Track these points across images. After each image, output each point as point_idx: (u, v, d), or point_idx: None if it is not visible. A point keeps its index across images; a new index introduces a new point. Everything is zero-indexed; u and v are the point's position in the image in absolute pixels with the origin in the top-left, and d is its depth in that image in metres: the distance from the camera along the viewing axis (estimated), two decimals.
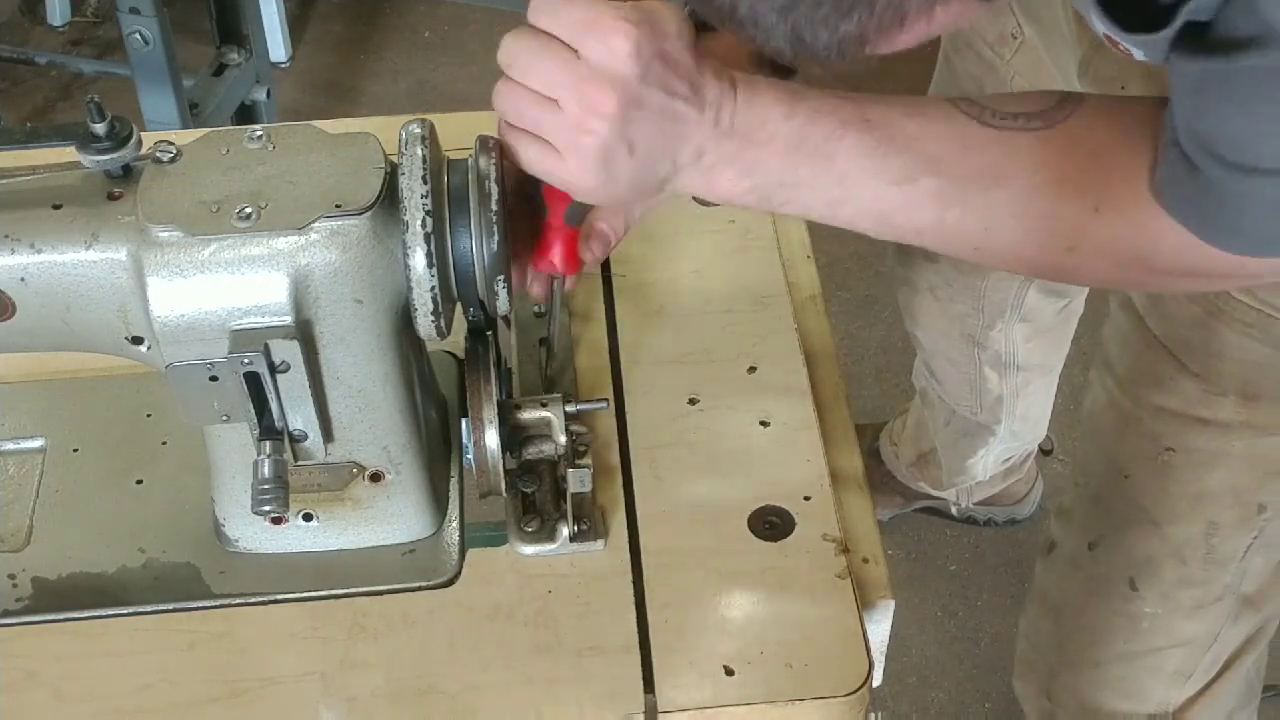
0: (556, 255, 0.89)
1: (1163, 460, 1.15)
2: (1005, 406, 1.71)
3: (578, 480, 0.87)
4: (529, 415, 0.90)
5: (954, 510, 1.99)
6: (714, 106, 0.82)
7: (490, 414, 0.86)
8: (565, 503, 0.89)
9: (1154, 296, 1.11)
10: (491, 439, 0.86)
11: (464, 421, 0.87)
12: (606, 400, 0.96)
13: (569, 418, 0.90)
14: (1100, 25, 0.81)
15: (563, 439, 0.90)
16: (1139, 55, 0.82)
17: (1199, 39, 0.74)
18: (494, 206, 0.81)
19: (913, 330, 1.71)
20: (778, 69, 0.95)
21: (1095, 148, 0.82)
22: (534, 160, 0.82)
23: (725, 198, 0.85)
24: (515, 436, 0.90)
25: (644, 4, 0.80)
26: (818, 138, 0.82)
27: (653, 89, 0.80)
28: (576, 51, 0.78)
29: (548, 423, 0.90)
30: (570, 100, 0.79)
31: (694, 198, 0.87)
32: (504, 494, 0.89)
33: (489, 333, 0.88)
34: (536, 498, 0.92)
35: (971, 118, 0.84)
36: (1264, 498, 1.14)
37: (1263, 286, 1.02)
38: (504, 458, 0.87)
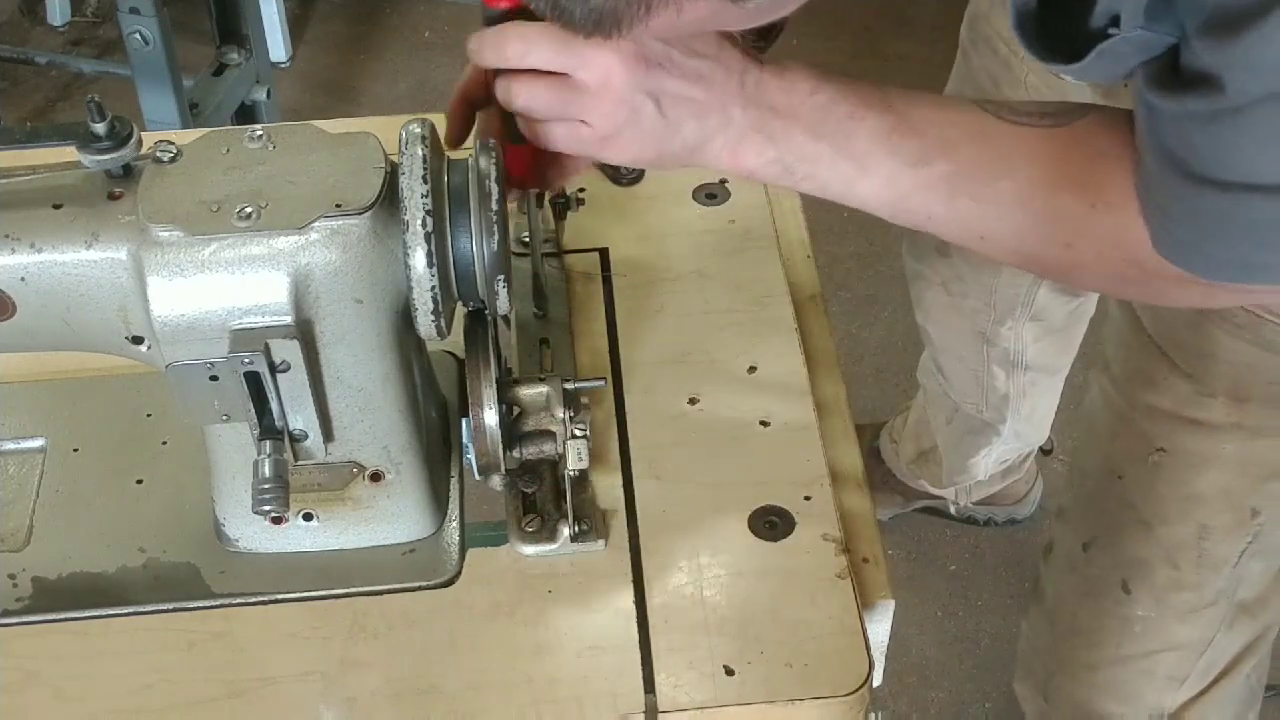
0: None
1: (1154, 461, 1.15)
2: (1011, 406, 1.71)
3: (575, 454, 0.87)
4: (527, 391, 0.89)
5: (952, 509, 1.99)
6: (739, 72, 0.83)
7: (489, 391, 0.85)
8: (566, 502, 0.89)
9: None
10: (490, 417, 0.86)
11: (464, 421, 0.87)
12: (604, 379, 0.96)
13: (567, 395, 0.90)
14: (1024, 51, 0.84)
15: (560, 413, 0.89)
16: (1069, 78, 0.84)
17: (1166, 71, 0.76)
18: (494, 206, 0.81)
19: (922, 324, 1.71)
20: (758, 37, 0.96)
21: (1099, 149, 0.84)
22: (562, 139, 0.83)
23: (749, 169, 0.86)
24: (516, 429, 0.89)
25: None
26: (840, 114, 0.83)
27: (667, 46, 0.81)
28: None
29: (545, 397, 0.89)
30: (580, 67, 0.80)
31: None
32: (503, 472, 0.89)
33: (487, 313, 0.87)
34: (537, 497, 0.92)
35: (988, 113, 0.86)
36: (1257, 502, 1.14)
37: None
38: (502, 435, 0.87)
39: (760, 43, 1.01)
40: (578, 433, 0.87)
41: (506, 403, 0.88)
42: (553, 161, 0.90)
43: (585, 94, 0.81)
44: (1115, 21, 0.77)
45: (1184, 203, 0.78)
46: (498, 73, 0.83)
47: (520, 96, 0.82)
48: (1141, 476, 1.18)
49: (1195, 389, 1.10)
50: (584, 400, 0.94)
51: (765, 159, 0.85)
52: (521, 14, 0.82)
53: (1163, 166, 0.78)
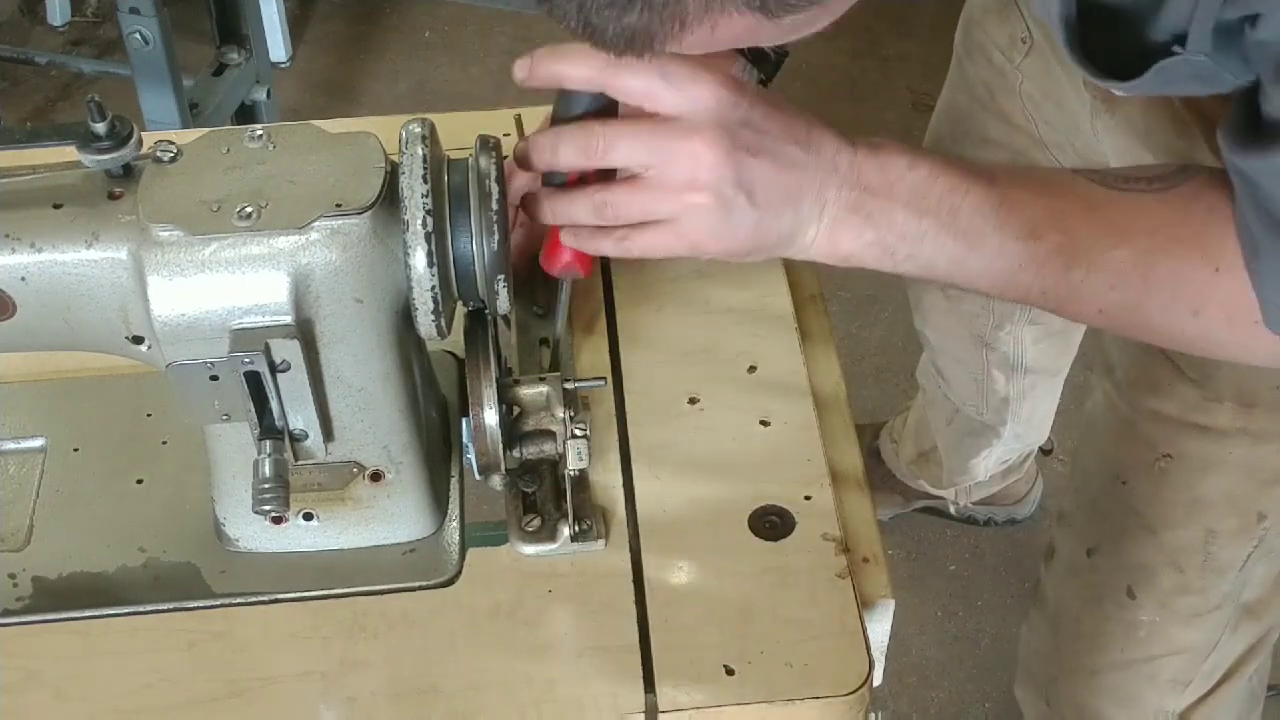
0: (567, 254, 0.88)
1: (1160, 467, 1.15)
2: (1011, 408, 1.71)
3: (575, 454, 0.87)
4: (527, 391, 0.89)
5: (952, 509, 1.99)
6: (832, 155, 0.80)
7: (489, 390, 0.85)
8: (566, 502, 0.89)
9: None
10: (490, 416, 0.86)
11: (464, 421, 0.87)
12: (604, 378, 0.96)
13: (567, 395, 0.90)
14: (1072, 64, 0.82)
15: (560, 412, 0.89)
16: (1118, 93, 0.82)
17: (1245, 127, 0.74)
18: (494, 206, 0.81)
19: (921, 328, 1.71)
20: (756, 58, 0.95)
21: (1212, 207, 0.81)
22: (651, 247, 0.80)
23: (847, 254, 0.83)
24: (516, 429, 0.90)
25: (705, 59, 0.79)
26: (942, 189, 0.81)
27: (757, 133, 0.78)
28: (653, 116, 0.77)
29: (545, 397, 0.89)
30: (667, 163, 0.77)
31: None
32: (503, 471, 0.89)
33: (488, 313, 0.87)
34: (537, 497, 0.92)
35: (1094, 182, 0.84)
36: (1263, 506, 1.14)
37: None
38: (502, 435, 0.87)
39: (763, 76, 1.01)
40: (578, 432, 0.87)
41: (506, 402, 0.88)
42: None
43: (673, 190, 0.78)
44: (1180, 40, 0.74)
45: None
46: (550, 184, 0.81)
47: (607, 205, 0.79)
48: (1147, 482, 1.18)
49: (1201, 394, 1.09)
50: (584, 399, 0.94)
51: (864, 241, 0.82)
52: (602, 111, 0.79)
53: (1265, 230, 0.76)
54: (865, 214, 0.81)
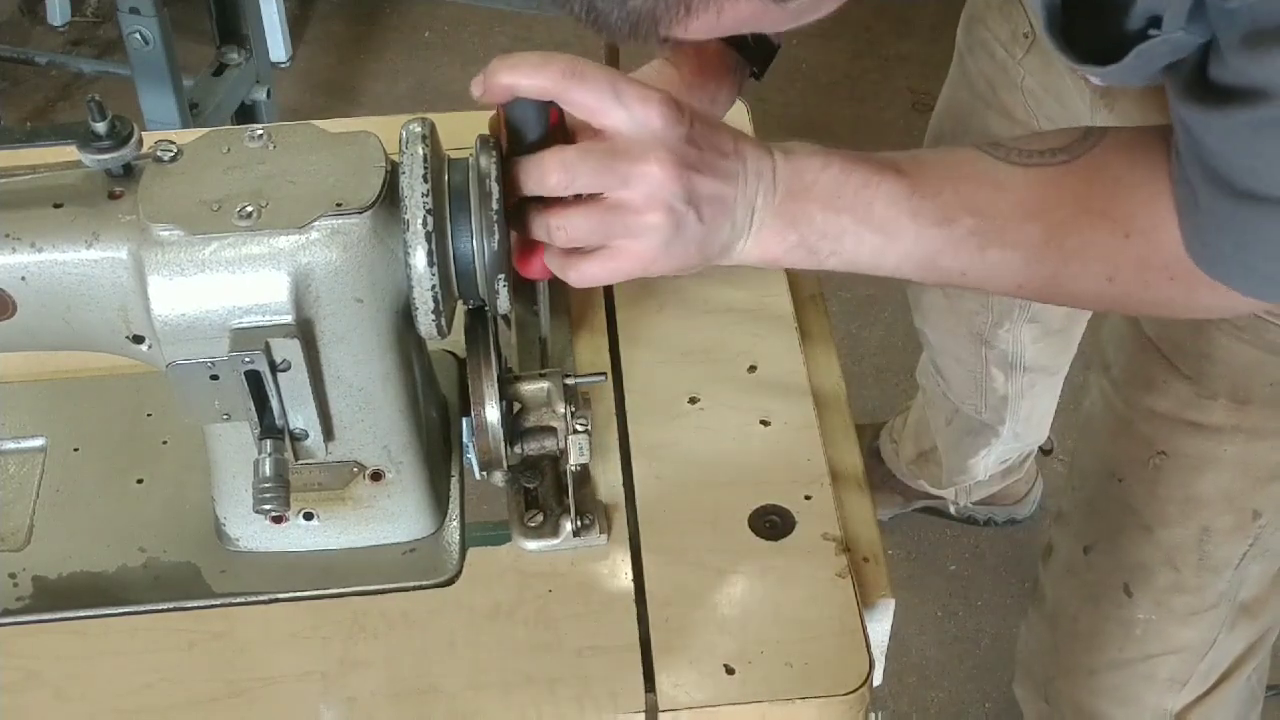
0: (538, 261, 0.88)
1: (1155, 464, 1.15)
2: (1010, 407, 1.71)
3: (577, 449, 0.87)
4: (528, 387, 0.89)
5: (952, 509, 1.99)
6: (756, 163, 0.82)
7: (490, 388, 0.85)
8: (568, 497, 0.89)
9: None
10: (492, 413, 0.86)
11: (464, 421, 0.87)
12: (604, 374, 0.96)
13: (568, 390, 0.90)
14: (1052, 50, 0.83)
15: (561, 408, 0.89)
16: (1096, 81, 0.83)
17: (1196, 84, 0.76)
18: (494, 205, 0.81)
19: (920, 327, 1.71)
20: (743, 49, 0.96)
21: (1118, 175, 0.84)
22: (602, 272, 0.81)
23: (774, 257, 0.85)
24: (517, 425, 0.89)
25: (643, 71, 0.79)
26: (855, 184, 0.83)
27: (698, 149, 0.79)
28: (600, 134, 0.78)
29: (546, 393, 0.89)
30: (623, 184, 0.78)
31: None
32: (505, 469, 0.89)
33: (488, 311, 0.87)
34: (539, 493, 0.92)
35: (999, 159, 0.85)
36: (1258, 504, 1.14)
37: None
38: (504, 432, 0.87)
39: (755, 70, 1.01)
40: (579, 427, 0.87)
41: (508, 399, 0.88)
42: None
43: (629, 211, 0.79)
44: (1156, 23, 0.76)
45: (1226, 217, 0.78)
46: (524, 204, 0.82)
47: (562, 230, 0.80)
48: (1142, 479, 1.18)
49: (1196, 391, 1.10)
50: (585, 396, 0.94)
51: (788, 244, 0.84)
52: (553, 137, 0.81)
53: (1205, 182, 0.77)
54: (788, 217, 0.83)
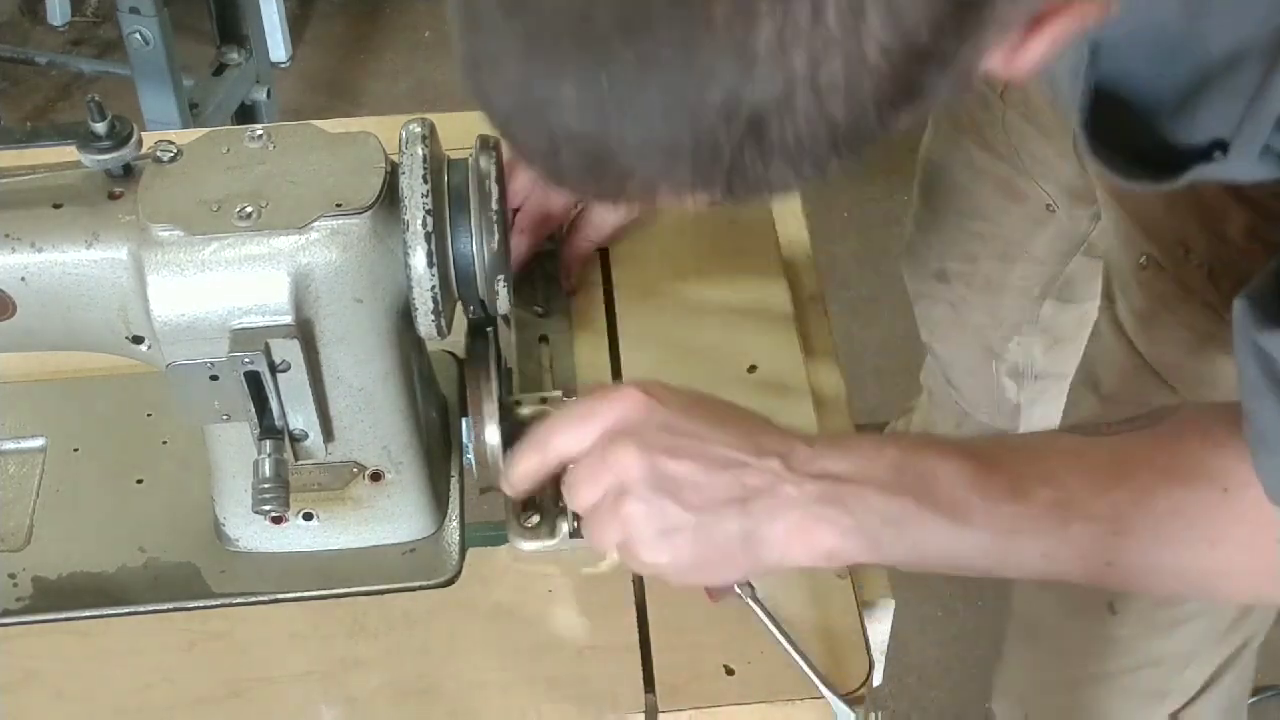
0: None
1: None
2: (1023, 414, 1.71)
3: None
4: (529, 410, 0.90)
5: None
6: (779, 449, 0.77)
7: (491, 410, 0.86)
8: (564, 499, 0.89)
9: (1144, 318, 1.07)
10: (492, 435, 0.86)
11: (464, 421, 0.87)
12: None
13: None
14: (1087, 159, 0.78)
15: None
16: (1141, 189, 0.78)
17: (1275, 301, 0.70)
18: (494, 206, 0.81)
19: (928, 341, 1.69)
20: None
21: (1205, 433, 0.77)
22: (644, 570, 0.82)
23: (831, 550, 0.77)
24: (516, 433, 0.90)
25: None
26: (915, 464, 0.76)
27: (675, 434, 0.77)
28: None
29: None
30: (598, 485, 0.78)
31: None
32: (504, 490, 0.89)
33: (489, 329, 0.87)
34: (536, 494, 0.92)
35: (1076, 434, 0.80)
36: None
37: None
38: (504, 454, 0.87)
39: None
40: None
41: (509, 422, 0.88)
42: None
43: (608, 511, 0.78)
44: (1221, 145, 0.71)
45: None
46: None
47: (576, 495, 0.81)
48: None
49: (1175, 400, 1.07)
50: None
51: (843, 529, 0.76)
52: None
53: None
54: (838, 503, 0.76)
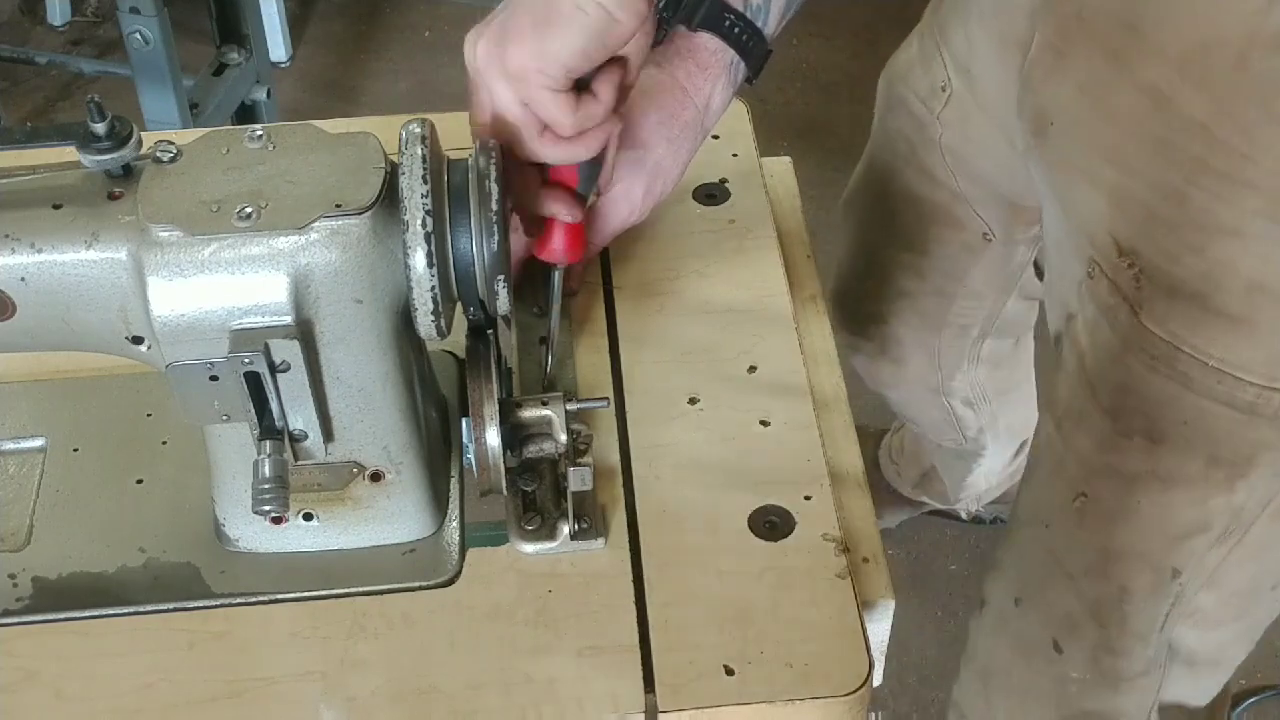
0: (558, 242, 0.93)
1: (1077, 506, 1.12)
2: (989, 432, 1.71)
3: (578, 479, 0.87)
4: (530, 414, 0.90)
5: (963, 514, 1.99)
6: None
7: (491, 412, 0.86)
8: (566, 501, 0.89)
9: (1093, 335, 1.06)
10: (492, 438, 0.86)
11: (464, 421, 0.87)
12: (607, 399, 0.96)
13: (569, 415, 0.90)
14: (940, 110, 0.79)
15: (563, 437, 0.90)
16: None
17: None
18: (494, 206, 0.81)
19: (876, 389, 1.68)
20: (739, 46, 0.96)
21: None
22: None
23: None
24: (516, 435, 0.90)
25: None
26: None
27: None
28: None
29: (548, 421, 0.90)
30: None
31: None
32: (504, 493, 0.89)
33: (489, 331, 0.88)
34: (537, 496, 0.92)
35: None
36: (1176, 562, 1.10)
37: (1174, 319, 0.98)
38: (505, 456, 0.87)
39: (750, 75, 1.00)
40: (582, 461, 0.88)
41: (509, 423, 0.88)
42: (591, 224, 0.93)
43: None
44: None
45: None
46: (525, 194, 0.87)
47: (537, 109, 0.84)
48: (1065, 523, 1.14)
49: (1114, 427, 1.06)
50: (586, 432, 0.95)
51: None
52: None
53: None
54: None
